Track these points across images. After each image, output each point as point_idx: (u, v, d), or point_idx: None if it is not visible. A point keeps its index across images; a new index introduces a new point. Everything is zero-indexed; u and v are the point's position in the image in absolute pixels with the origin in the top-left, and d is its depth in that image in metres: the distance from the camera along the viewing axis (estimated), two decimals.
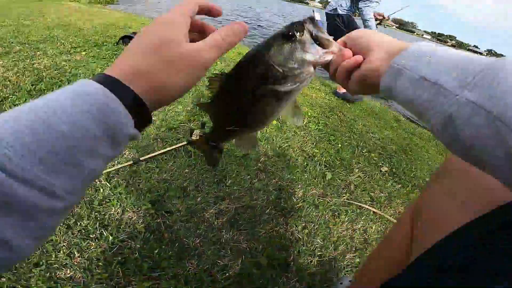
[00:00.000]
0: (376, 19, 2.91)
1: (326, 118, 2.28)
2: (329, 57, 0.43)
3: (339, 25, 2.89)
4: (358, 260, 1.14)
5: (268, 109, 0.46)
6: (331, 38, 0.44)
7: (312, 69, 0.43)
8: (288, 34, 0.41)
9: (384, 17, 3.15)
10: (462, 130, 0.28)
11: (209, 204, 1.21)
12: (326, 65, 0.45)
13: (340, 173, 1.63)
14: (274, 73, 0.42)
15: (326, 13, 3.03)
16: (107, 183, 1.17)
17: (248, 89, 0.44)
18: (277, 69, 0.41)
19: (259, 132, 1.74)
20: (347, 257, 1.14)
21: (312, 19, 0.43)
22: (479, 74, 0.28)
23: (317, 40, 0.43)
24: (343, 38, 0.46)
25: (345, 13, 2.87)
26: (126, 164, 1.24)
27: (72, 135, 0.23)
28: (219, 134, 0.57)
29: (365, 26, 2.79)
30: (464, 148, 0.29)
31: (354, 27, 2.81)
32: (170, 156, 1.40)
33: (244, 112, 0.47)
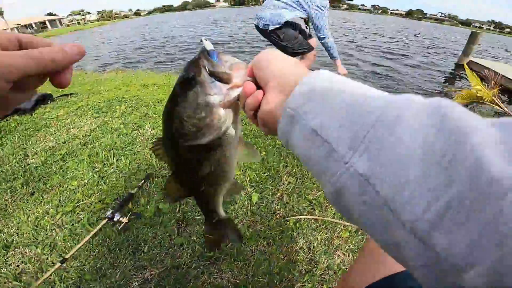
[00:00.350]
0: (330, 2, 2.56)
1: (243, 125, 2.11)
2: (235, 93, 0.38)
3: (278, 41, 2.56)
4: (309, 286, 1.06)
5: (214, 161, 0.43)
6: (233, 62, 0.38)
7: (222, 111, 0.38)
8: (186, 79, 0.37)
9: None
10: (351, 207, 0.24)
11: (131, 278, 1.07)
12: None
13: (268, 187, 1.52)
14: (188, 128, 0.38)
15: (259, 29, 2.65)
16: None
17: (180, 149, 0.41)
18: (188, 122, 0.38)
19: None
20: (297, 287, 1.05)
21: (204, 53, 0.38)
22: (369, 131, 0.22)
23: (217, 76, 0.37)
24: (251, 63, 0.38)
25: (277, 26, 2.48)
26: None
27: None
28: (193, 193, 0.52)
29: (319, 38, 2.58)
30: (356, 223, 0.25)
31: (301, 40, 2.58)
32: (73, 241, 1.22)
33: (195, 171, 0.44)
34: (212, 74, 0.37)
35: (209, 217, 0.58)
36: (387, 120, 0.22)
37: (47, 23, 71.02)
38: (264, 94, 0.35)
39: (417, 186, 0.19)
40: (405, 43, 14.29)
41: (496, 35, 78.51)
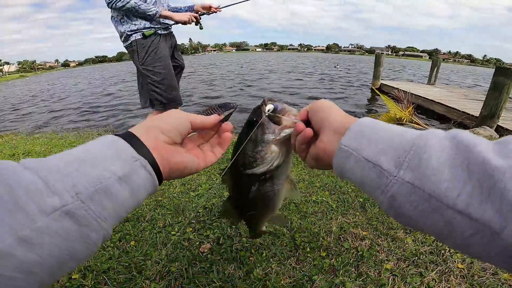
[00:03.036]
0: (199, 14, 2.02)
1: None
2: (285, 132, 0.47)
3: (139, 66, 1.92)
4: None
5: (264, 190, 0.52)
6: (287, 109, 0.48)
7: (274, 147, 0.47)
8: (251, 121, 0.48)
9: (211, 10, 2.08)
10: (404, 207, 0.30)
11: None
12: None
13: None
14: (247, 159, 0.48)
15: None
16: None
17: (241, 177, 0.52)
18: (248, 154, 0.48)
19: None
20: None
21: (265, 101, 0.48)
22: (409, 153, 0.31)
23: (272, 119, 0.47)
24: (306, 108, 0.46)
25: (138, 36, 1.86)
26: None
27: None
28: (245, 219, 0.66)
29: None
30: (410, 222, 0.31)
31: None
32: None
33: (250, 198, 0.54)
34: (269, 118, 0.47)
35: (251, 231, 0.76)
36: (420, 145, 0.30)
37: None
38: (314, 133, 0.43)
39: (450, 181, 0.27)
40: (330, 79, 15.11)
41: (392, 59, 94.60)
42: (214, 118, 0.47)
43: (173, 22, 1.96)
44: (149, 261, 1.16)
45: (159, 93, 1.95)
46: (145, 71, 1.90)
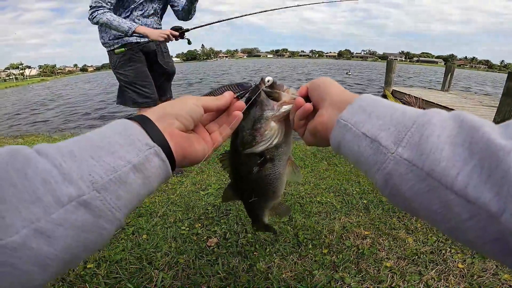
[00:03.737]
0: (173, 37, 2.07)
1: None
2: (284, 108, 0.46)
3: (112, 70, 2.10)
4: None
5: (266, 173, 0.51)
6: (284, 87, 0.48)
7: (273, 124, 0.47)
8: (249, 99, 0.47)
9: (181, 31, 2.09)
10: (399, 186, 0.30)
11: None
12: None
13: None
14: (246, 137, 0.48)
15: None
16: None
17: (239, 157, 0.51)
18: (247, 132, 0.47)
19: None
20: None
21: (263, 79, 0.48)
22: (410, 130, 0.30)
23: (270, 96, 0.47)
24: (306, 84, 0.47)
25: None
26: None
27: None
28: (246, 206, 0.66)
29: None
30: (404, 202, 0.31)
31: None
32: None
33: (249, 179, 0.53)
34: (268, 95, 0.47)
35: (254, 222, 0.73)
36: (422, 122, 0.29)
37: None
38: (313, 109, 0.43)
39: (449, 159, 0.26)
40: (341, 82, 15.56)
41: (406, 65, 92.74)
42: (228, 97, 0.46)
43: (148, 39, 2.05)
44: (159, 253, 1.24)
45: (130, 94, 2.12)
46: (117, 74, 2.09)
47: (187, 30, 2.09)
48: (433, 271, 1.12)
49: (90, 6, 1.87)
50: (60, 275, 0.30)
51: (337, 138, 0.37)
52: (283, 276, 1.11)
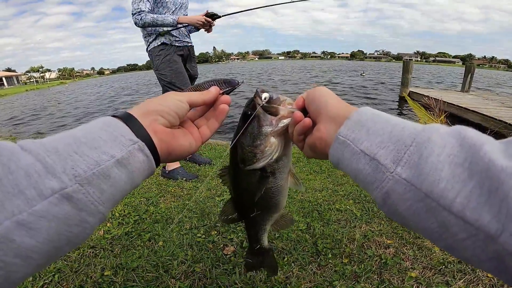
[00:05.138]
0: (200, 26, 2.14)
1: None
2: (283, 123, 0.45)
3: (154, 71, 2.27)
4: None
5: (269, 187, 0.50)
6: (281, 99, 0.46)
7: (273, 139, 0.46)
8: (246, 114, 0.46)
9: (215, 17, 2.16)
10: (397, 205, 0.30)
11: None
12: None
13: None
14: (247, 154, 0.47)
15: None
16: None
17: (239, 173, 0.50)
18: (246, 149, 0.46)
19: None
20: None
21: (258, 93, 0.46)
22: (409, 148, 0.29)
23: (268, 111, 0.45)
24: (303, 95, 0.46)
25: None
26: None
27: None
28: (248, 223, 0.63)
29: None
30: (402, 220, 0.31)
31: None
32: None
33: (250, 194, 0.51)
34: (265, 109, 0.45)
35: (253, 244, 0.66)
36: (421, 140, 0.29)
37: (4, 79, 66.47)
38: (312, 123, 0.42)
39: (448, 180, 0.26)
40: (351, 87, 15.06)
41: (422, 65, 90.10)
42: (214, 92, 0.46)
43: (191, 30, 2.25)
44: (176, 261, 1.23)
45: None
46: (159, 75, 2.22)
47: (219, 16, 2.20)
48: (461, 281, 1.05)
49: (133, 13, 2.02)
50: (43, 268, 0.31)
51: (336, 154, 0.36)
52: (302, 287, 1.07)
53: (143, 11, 2.00)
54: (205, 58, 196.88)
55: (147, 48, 2.24)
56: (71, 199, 0.27)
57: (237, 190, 0.56)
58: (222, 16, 2.25)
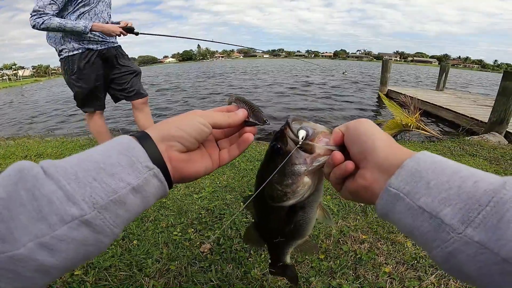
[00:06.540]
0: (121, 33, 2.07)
1: None
2: (318, 162, 0.41)
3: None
4: None
5: (295, 221, 0.49)
6: (317, 130, 0.42)
7: (307, 179, 0.42)
8: (275, 149, 0.42)
9: (130, 32, 2.14)
10: (464, 265, 0.26)
11: None
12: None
13: None
14: (276, 192, 0.43)
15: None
16: None
17: (267, 208, 0.48)
18: (277, 188, 0.43)
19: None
20: None
21: (289, 124, 0.42)
22: (484, 209, 0.25)
23: (302, 148, 0.41)
24: (341, 129, 0.40)
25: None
26: None
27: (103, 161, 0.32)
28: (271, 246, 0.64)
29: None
30: (467, 279, 0.27)
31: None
32: None
33: (277, 227, 0.51)
34: (297, 145, 0.40)
35: (275, 262, 0.68)
36: (502, 200, 0.24)
37: None
38: (354, 165, 0.37)
39: None
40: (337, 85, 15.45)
41: (401, 65, 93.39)
42: (241, 116, 0.44)
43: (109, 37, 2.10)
44: (150, 259, 1.19)
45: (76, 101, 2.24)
46: (71, 80, 2.12)
47: (137, 33, 2.19)
48: (433, 276, 1.09)
49: (32, 13, 1.76)
50: (56, 279, 0.36)
51: (385, 207, 0.32)
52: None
53: (46, 13, 1.77)
54: (189, 56, 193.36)
55: (60, 50, 2.07)
56: (89, 224, 0.29)
57: (262, 220, 0.55)
58: (140, 33, 2.23)
